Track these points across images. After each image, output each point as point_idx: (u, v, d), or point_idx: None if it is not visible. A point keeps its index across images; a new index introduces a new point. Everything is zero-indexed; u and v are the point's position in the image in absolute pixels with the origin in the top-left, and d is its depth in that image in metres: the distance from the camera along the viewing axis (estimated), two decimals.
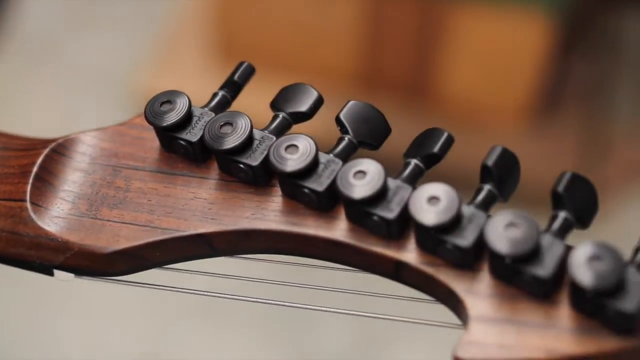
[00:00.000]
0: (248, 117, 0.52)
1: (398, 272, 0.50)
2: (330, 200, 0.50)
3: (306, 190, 0.50)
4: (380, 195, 0.49)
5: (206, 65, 1.70)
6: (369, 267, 0.51)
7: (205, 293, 0.55)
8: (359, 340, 1.51)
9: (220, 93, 0.55)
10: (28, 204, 0.53)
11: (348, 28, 1.62)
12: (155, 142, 0.54)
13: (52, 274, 0.53)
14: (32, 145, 0.55)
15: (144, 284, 0.54)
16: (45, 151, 0.54)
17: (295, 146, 0.50)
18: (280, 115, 0.53)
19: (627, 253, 0.48)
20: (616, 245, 0.46)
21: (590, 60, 1.74)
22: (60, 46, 1.82)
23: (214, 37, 1.69)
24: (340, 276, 0.54)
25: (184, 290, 0.55)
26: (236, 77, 0.55)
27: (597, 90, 1.72)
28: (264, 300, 0.55)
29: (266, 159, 0.51)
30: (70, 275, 0.53)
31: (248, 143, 0.51)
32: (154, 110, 0.53)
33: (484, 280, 0.48)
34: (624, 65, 1.76)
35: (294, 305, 0.54)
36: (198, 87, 1.70)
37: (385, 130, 0.53)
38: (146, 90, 1.70)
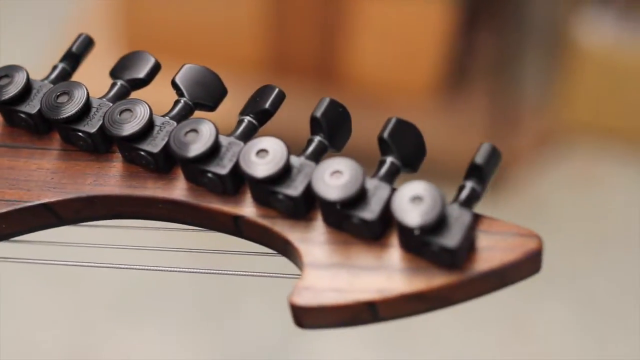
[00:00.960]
0: (84, 86, 0.53)
1: (238, 227, 0.51)
2: (167, 161, 0.51)
3: (142, 153, 0.51)
4: (213, 153, 0.50)
5: (113, 60, 1.70)
6: (209, 225, 0.52)
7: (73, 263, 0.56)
8: (285, 331, 1.52)
9: (60, 65, 0.55)
10: None
11: (252, 15, 1.63)
12: None
13: None
14: None
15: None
16: None
17: (130, 110, 0.51)
18: (118, 83, 0.54)
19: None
20: (437, 186, 0.47)
21: (497, 35, 1.76)
22: None
23: (120, 31, 1.69)
24: (181, 237, 0.55)
25: (61, 263, 0.56)
26: (74, 49, 0.56)
27: (504, 64, 1.75)
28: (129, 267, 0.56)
29: (103, 126, 0.52)
30: None
31: (85, 111, 0.52)
32: None
33: (318, 229, 0.49)
34: (529, 39, 1.78)
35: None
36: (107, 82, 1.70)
37: (221, 92, 0.54)
38: None
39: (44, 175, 0.53)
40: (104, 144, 0.53)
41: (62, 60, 0.56)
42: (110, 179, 0.52)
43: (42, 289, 1.54)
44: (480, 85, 1.70)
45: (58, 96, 0.53)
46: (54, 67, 0.55)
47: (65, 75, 0.55)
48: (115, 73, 0.55)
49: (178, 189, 0.51)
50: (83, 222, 0.53)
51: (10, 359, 1.49)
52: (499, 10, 1.78)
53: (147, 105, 0.51)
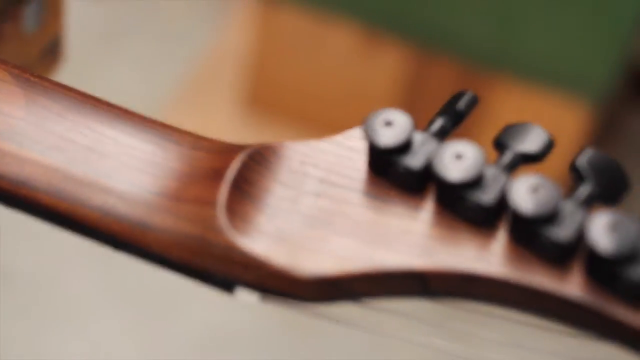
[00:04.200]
0: (480, 149, 0.47)
1: None
2: (569, 254, 0.45)
3: (543, 239, 0.45)
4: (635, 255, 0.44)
5: (233, 110, 1.66)
6: (610, 335, 0.45)
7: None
8: None
9: (440, 120, 0.50)
10: (221, 212, 0.47)
11: (387, 88, 1.58)
12: (361, 163, 0.49)
13: (232, 292, 0.47)
14: (225, 148, 0.50)
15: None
16: (242, 157, 0.49)
17: (537, 189, 0.46)
18: (509, 154, 0.48)
19: None
20: None
21: (619, 156, 1.72)
22: (97, 70, 1.77)
23: (244, 82, 1.65)
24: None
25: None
26: (461, 106, 0.50)
27: None
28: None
29: (500, 198, 0.46)
30: (254, 297, 0.47)
31: (480, 178, 0.46)
32: (373, 128, 0.48)
33: None
34: None
35: None
36: (223, 129, 1.66)
37: (624, 186, 0.48)
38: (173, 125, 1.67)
39: (416, 238, 0.47)
40: (493, 218, 0.47)
41: (443, 114, 0.50)
42: (492, 257, 0.46)
43: (130, 320, 1.47)
44: None
45: (453, 157, 0.47)
46: (432, 120, 0.50)
47: (445, 132, 0.49)
48: (502, 142, 0.49)
49: (575, 286, 0.45)
50: (453, 298, 0.47)
51: None
52: (622, 133, 1.73)
53: (556, 186, 0.46)
